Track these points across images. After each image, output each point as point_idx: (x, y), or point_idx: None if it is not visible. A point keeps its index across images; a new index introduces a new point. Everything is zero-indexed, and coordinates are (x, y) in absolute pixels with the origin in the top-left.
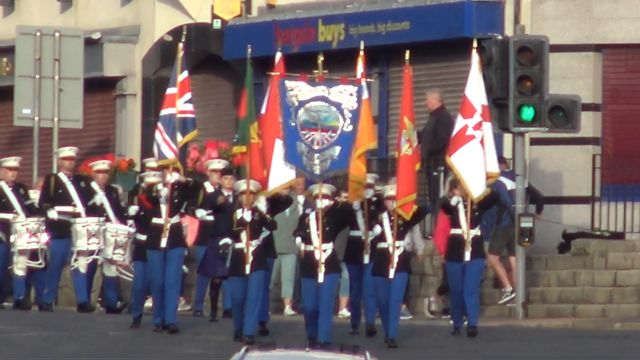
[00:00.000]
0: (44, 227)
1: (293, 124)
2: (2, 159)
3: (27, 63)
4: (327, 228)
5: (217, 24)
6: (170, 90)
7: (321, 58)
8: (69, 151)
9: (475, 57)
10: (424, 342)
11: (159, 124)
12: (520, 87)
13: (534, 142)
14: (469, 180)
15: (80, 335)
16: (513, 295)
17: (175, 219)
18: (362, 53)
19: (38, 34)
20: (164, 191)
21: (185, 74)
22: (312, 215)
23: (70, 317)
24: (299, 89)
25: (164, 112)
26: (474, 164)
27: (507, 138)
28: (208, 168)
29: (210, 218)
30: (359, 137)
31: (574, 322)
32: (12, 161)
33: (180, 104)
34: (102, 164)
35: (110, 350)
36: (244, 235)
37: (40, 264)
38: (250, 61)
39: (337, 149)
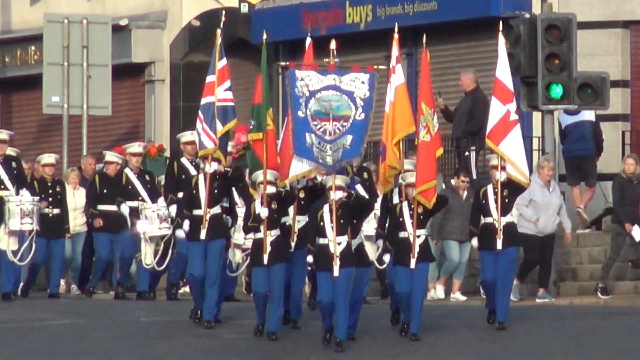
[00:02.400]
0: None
1: (302, 115)
2: (127, 145)
3: (55, 51)
4: (342, 221)
5: (244, 8)
6: (210, 78)
7: (332, 45)
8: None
9: (502, 39)
10: (455, 322)
11: (199, 113)
12: (549, 65)
13: None
14: (521, 165)
15: (113, 322)
16: None
17: (215, 210)
18: (396, 36)
19: (66, 21)
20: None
21: (224, 61)
22: (326, 208)
23: (103, 304)
24: (310, 79)
25: (203, 100)
26: (521, 148)
27: (536, 116)
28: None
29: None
30: (398, 122)
31: (606, 300)
32: (137, 146)
33: (219, 92)
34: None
35: (143, 335)
36: (262, 226)
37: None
38: (265, 46)
39: (349, 138)
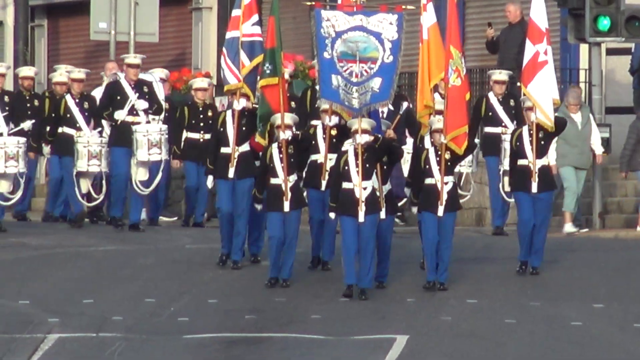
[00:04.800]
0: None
1: (328, 57)
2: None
3: None
4: (367, 165)
5: None
6: (235, 12)
7: None
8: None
9: None
10: (495, 254)
11: (223, 48)
12: None
13: (610, 52)
14: (547, 108)
15: (157, 249)
16: None
17: (244, 147)
18: None
19: None
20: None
21: None
22: (351, 151)
23: (148, 231)
24: (336, 19)
25: (228, 34)
26: (548, 91)
27: (583, 48)
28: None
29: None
30: (433, 63)
31: None
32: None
33: (246, 27)
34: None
35: (188, 262)
36: (280, 171)
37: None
38: None
39: (377, 80)
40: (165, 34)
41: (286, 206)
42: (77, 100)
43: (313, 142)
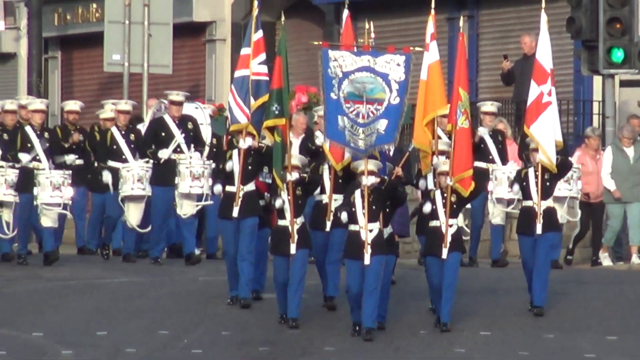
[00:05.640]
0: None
1: (335, 97)
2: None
3: (116, 9)
4: (373, 207)
5: None
6: (245, 51)
7: (367, 26)
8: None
9: (544, 17)
10: (507, 285)
11: (232, 87)
12: (610, 29)
13: (624, 84)
14: (549, 150)
15: (171, 281)
16: None
17: (249, 187)
18: (432, 12)
19: None
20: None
21: (260, 33)
22: (358, 193)
23: (163, 263)
24: (343, 59)
25: (237, 73)
26: (551, 132)
27: (597, 80)
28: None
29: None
30: (430, 101)
31: None
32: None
33: (254, 65)
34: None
35: (201, 294)
36: (287, 213)
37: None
38: (283, 28)
39: (384, 122)
40: (179, 66)
41: (292, 248)
42: (123, 133)
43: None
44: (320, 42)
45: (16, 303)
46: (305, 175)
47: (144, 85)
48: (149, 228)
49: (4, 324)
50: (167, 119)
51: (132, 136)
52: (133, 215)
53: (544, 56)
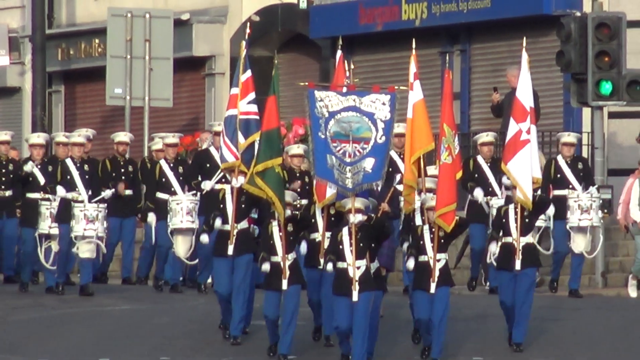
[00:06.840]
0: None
1: (322, 137)
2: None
3: (118, 44)
4: (361, 244)
5: (303, 4)
6: (233, 91)
7: (352, 66)
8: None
9: (525, 56)
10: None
11: (222, 126)
12: (599, 62)
13: (612, 115)
14: (526, 187)
15: (173, 308)
16: None
17: (242, 225)
18: (414, 52)
19: (129, 15)
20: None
21: (249, 73)
22: (345, 231)
23: (165, 291)
24: (329, 99)
25: (226, 113)
26: (528, 170)
27: (586, 112)
28: (288, 154)
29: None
30: (416, 139)
31: None
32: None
33: (242, 105)
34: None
35: (203, 321)
36: (279, 249)
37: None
38: (276, 67)
39: (370, 161)
40: (179, 99)
41: (284, 284)
42: (171, 165)
43: (313, 220)
44: (307, 83)
45: (20, 330)
46: (297, 213)
47: (145, 118)
48: (197, 260)
49: (10, 350)
50: (212, 150)
51: (180, 169)
52: (181, 247)
53: (524, 94)
